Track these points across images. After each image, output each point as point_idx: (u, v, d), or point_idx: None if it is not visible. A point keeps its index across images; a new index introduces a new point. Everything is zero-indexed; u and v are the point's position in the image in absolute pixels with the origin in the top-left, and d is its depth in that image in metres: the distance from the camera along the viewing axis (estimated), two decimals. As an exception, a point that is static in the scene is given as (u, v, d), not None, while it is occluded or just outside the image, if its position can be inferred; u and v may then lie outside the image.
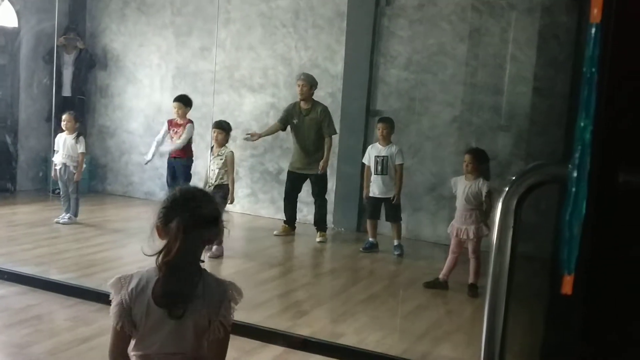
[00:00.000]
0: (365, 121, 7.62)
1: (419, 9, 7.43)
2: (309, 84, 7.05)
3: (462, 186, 5.48)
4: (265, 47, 8.18)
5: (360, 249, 6.84)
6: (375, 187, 6.66)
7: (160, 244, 2.02)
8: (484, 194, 5.39)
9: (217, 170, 6.14)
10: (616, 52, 1.00)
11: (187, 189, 2.12)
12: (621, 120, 1.02)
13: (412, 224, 7.23)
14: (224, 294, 2.05)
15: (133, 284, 2.02)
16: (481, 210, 5.43)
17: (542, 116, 6.76)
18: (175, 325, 2.00)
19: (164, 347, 2.01)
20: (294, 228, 7.38)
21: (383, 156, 6.62)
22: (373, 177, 6.67)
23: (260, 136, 7.34)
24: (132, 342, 2.05)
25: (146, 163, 7.42)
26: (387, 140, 6.65)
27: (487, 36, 7.14)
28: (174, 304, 1.99)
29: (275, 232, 7.34)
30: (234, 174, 6.42)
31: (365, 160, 6.78)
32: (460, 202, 5.47)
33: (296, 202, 7.36)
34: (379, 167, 6.62)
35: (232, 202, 6.19)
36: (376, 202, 6.71)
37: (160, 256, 1.98)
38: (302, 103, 7.10)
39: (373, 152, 6.69)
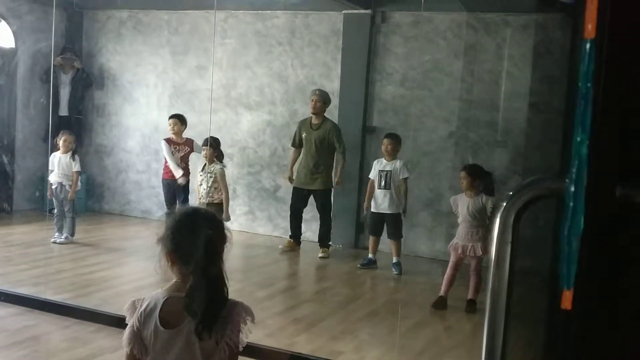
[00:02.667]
0: (361, 138, 7.64)
1: (414, 26, 7.48)
2: (322, 100, 7.15)
3: (465, 203, 5.45)
4: (262, 65, 8.22)
5: (359, 265, 6.83)
6: (378, 202, 6.65)
7: (168, 269, 2.04)
8: (488, 209, 5.37)
9: (207, 188, 6.08)
10: (611, 67, 1.00)
11: (193, 211, 2.17)
12: (617, 135, 1.03)
13: (409, 240, 7.21)
14: (231, 314, 2.04)
15: (143, 307, 2.04)
16: (486, 226, 5.41)
17: (538, 131, 6.78)
18: (184, 347, 2.00)
19: None
20: (299, 243, 7.38)
21: (387, 170, 6.63)
22: (376, 191, 6.68)
23: (292, 172, 7.35)
24: None
25: (181, 180, 6.96)
26: (392, 156, 6.66)
27: (482, 52, 7.18)
28: (208, 324, 1.98)
29: (280, 247, 7.34)
30: (227, 190, 6.33)
31: (371, 175, 6.80)
32: (465, 220, 5.43)
33: (301, 217, 7.37)
34: (383, 182, 6.64)
35: (228, 219, 6.13)
36: (378, 217, 6.70)
37: (193, 279, 1.97)
38: (313, 118, 7.19)
39: (378, 167, 6.72)
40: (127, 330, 2.05)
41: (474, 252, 5.38)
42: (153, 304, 2.04)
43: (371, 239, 6.85)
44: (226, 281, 2.07)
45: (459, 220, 5.50)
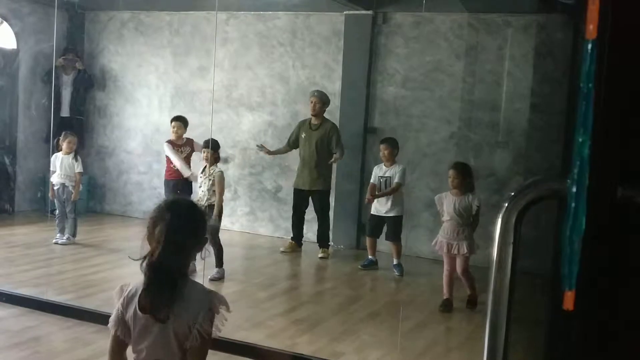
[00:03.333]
0: (363, 139, 7.64)
1: (415, 27, 7.48)
2: (322, 101, 7.15)
3: (451, 201, 5.43)
4: (263, 66, 8.22)
5: (359, 266, 6.82)
6: (378, 205, 6.64)
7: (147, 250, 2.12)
8: (474, 208, 5.37)
9: (206, 191, 6.09)
10: (612, 68, 1.00)
11: (172, 198, 2.29)
12: (619, 135, 1.03)
13: (410, 241, 7.21)
14: (203, 302, 2.10)
15: (126, 292, 2.15)
16: (470, 225, 5.41)
17: (540, 132, 6.78)
18: (159, 332, 2.08)
19: (151, 354, 2.10)
20: (300, 245, 7.37)
21: (386, 177, 6.62)
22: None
23: (269, 152, 7.48)
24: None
25: (192, 178, 6.90)
26: (390, 161, 6.64)
27: (484, 53, 7.18)
28: (156, 307, 2.07)
29: (281, 249, 7.33)
30: (222, 193, 6.28)
31: (372, 181, 6.78)
32: (451, 218, 5.41)
33: (303, 218, 7.36)
34: (383, 187, 6.62)
35: (216, 219, 6.07)
36: (377, 220, 6.69)
37: (145, 260, 2.07)
38: (313, 119, 7.18)
39: (378, 172, 6.70)
40: (114, 313, 2.16)
41: (457, 251, 5.37)
42: (134, 289, 2.14)
43: (368, 240, 6.84)
44: (185, 270, 2.12)
45: (444, 218, 5.48)
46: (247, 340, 4.13)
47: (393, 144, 6.70)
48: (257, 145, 7.54)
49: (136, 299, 2.11)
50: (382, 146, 6.72)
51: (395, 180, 6.58)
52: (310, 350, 4.36)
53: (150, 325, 2.08)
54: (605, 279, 1.06)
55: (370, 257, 6.80)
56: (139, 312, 2.09)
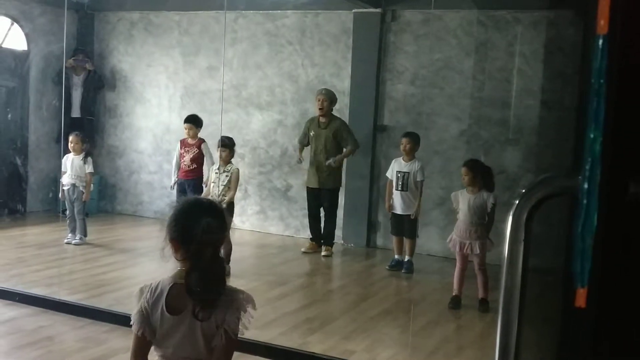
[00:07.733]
0: (372, 137, 7.63)
1: (424, 24, 7.46)
2: (329, 99, 7.12)
3: (466, 200, 5.41)
4: (272, 65, 8.23)
5: (386, 267, 6.76)
6: (397, 204, 6.61)
7: (173, 257, 2.11)
8: (489, 206, 5.34)
9: (221, 187, 6.11)
10: (624, 63, 1.00)
11: (194, 200, 2.26)
12: (631, 131, 1.02)
13: (421, 239, 7.19)
14: (232, 301, 2.09)
15: (150, 292, 2.13)
16: (484, 224, 5.38)
17: (551, 129, 6.75)
18: (187, 331, 2.07)
19: (179, 351, 2.10)
20: (320, 244, 7.33)
21: (404, 172, 6.56)
22: (394, 192, 6.64)
23: (301, 160, 7.37)
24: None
25: (172, 188, 7.20)
26: (410, 156, 6.57)
27: (493, 50, 7.15)
28: (206, 309, 2.05)
29: (302, 250, 7.30)
30: (236, 189, 6.34)
31: (388, 174, 6.75)
32: (465, 216, 5.39)
33: (320, 217, 7.31)
34: (400, 183, 6.58)
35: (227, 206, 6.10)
36: (399, 218, 6.65)
37: (190, 263, 2.05)
38: (320, 117, 7.16)
39: (395, 167, 6.64)
40: (136, 315, 2.12)
41: (470, 250, 5.35)
42: (160, 289, 2.12)
43: (395, 239, 6.79)
44: (225, 266, 2.16)
45: (459, 216, 5.46)
46: (258, 338, 4.14)
47: (415, 139, 6.63)
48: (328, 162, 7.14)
49: (163, 300, 2.10)
50: (404, 140, 6.61)
51: (418, 178, 6.54)
52: (321, 348, 4.36)
53: (177, 324, 2.08)
54: (618, 276, 1.06)
55: (396, 256, 6.74)
56: (166, 313, 2.08)
